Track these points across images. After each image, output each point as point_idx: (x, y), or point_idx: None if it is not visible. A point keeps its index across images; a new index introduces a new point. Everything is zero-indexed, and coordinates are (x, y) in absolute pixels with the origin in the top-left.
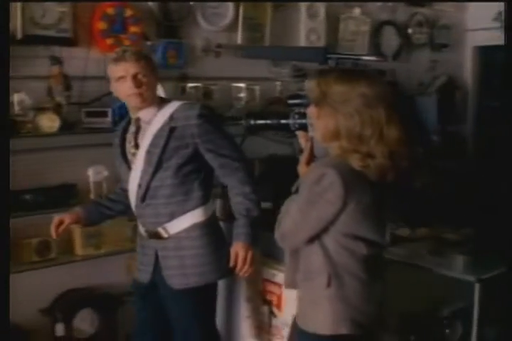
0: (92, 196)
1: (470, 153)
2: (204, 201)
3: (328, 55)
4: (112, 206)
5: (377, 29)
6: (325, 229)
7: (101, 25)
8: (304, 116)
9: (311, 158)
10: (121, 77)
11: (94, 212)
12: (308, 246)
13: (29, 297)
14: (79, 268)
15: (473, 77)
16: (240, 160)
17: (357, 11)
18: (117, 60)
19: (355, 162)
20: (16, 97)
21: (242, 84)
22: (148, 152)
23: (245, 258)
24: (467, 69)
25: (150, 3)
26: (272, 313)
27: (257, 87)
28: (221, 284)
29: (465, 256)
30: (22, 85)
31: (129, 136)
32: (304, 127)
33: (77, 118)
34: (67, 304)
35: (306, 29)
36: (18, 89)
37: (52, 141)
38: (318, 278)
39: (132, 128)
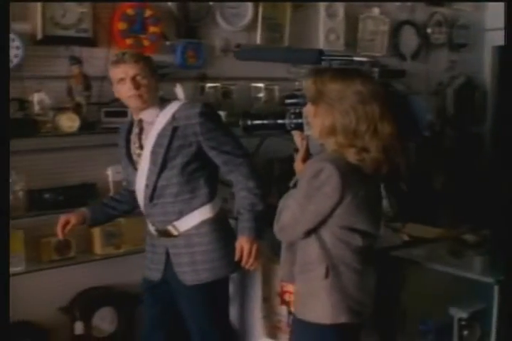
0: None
1: (489, 154)
2: (211, 198)
3: (323, 57)
4: (117, 206)
5: (396, 29)
6: (322, 222)
7: (121, 26)
8: (299, 115)
9: (307, 156)
10: (121, 79)
11: (100, 212)
12: (305, 239)
13: (48, 295)
14: (98, 267)
15: (492, 76)
16: (243, 156)
17: (376, 10)
18: (117, 62)
19: (352, 156)
20: (35, 97)
21: (261, 84)
22: (153, 152)
23: (250, 252)
24: (486, 69)
25: (169, 4)
26: (290, 313)
27: (276, 87)
28: (237, 284)
29: (484, 258)
30: (42, 85)
31: (133, 137)
32: (299, 126)
33: (97, 118)
34: (86, 302)
35: (326, 29)
36: (38, 89)
37: (72, 140)
38: (316, 270)
39: (136, 130)
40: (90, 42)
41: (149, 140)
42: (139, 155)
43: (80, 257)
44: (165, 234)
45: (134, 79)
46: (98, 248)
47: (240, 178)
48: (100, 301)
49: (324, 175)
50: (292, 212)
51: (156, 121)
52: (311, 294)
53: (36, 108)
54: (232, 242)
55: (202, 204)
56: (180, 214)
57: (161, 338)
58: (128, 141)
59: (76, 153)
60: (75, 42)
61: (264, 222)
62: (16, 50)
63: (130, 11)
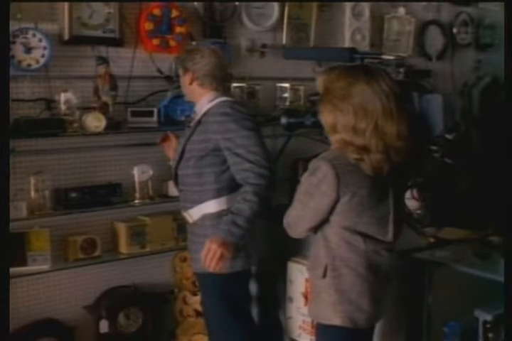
0: (137, 195)
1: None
2: (218, 194)
3: (355, 55)
4: None
5: (421, 29)
6: (326, 221)
7: (147, 26)
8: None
9: None
10: None
11: None
12: (316, 236)
13: (74, 294)
14: (123, 266)
15: None
16: (253, 162)
17: (401, 10)
18: None
19: (351, 155)
20: (62, 97)
21: (286, 84)
22: (179, 142)
23: (208, 252)
24: None
25: (195, 4)
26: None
27: (301, 88)
28: (262, 284)
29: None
30: (69, 85)
31: None
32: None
33: (123, 118)
34: (111, 301)
35: (351, 29)
36: (65, 89)
37: (98, 140)
38: (318, 269)
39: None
40: (117, 43)
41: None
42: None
43: (105, 256)
44: (185, 220)
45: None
46: (123, 247)
47: (242, 182)
48: (125, 300)
49: (320, 173)
50: (295, 209)
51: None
52: (314, 292)
53: (63, 108)
54: None
55: (209, 199)
56: (193, 204)
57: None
58: None
59: (102, 152)
60: (102, 42)
61: (246, 228)
62: (43, 50)
63: (157, 12)
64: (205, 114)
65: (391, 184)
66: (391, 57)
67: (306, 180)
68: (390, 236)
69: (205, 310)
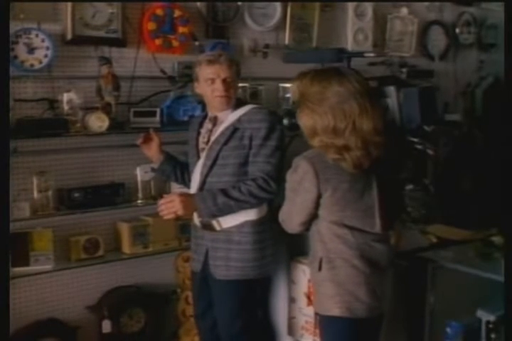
0: (139, 195)
1: None
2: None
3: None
4: (186, 172)
5: (424, 29)
6: (316, 216)
7: (150, 26)
8: None
9: None
10: (211, 79)
11: (171, 163)
12: (312, 231)
13: (76, 294)
14: (126, 266)
15: None
16: (266, 173)
17: (404, 10)
18: (212, 62)
19: (331, 156)
20: (65, 97)
21: (289, 85)
22: (211, 148)
23: (170, 202)
24: None
25: (198, 4)
26: (317, 314)
27: None
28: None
29: None
30: (72, 85)
31: (203, 132)
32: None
33: (126, 118)
34: (114, 301)
35: (354, 29)
36: (68, 89)
37: (101, 140)
38: (315, 262)
39: (208, 125)
40: (120, 43)
41: (213, 137)
42: (203, 149)
43: (108, 256)
44: (208, 227)
45: (225, 80)
46: (126, 247)
47: (241, 182)
48: (128, 300)
49: (301, 171)
50: (286, 205)
51: (226, 121)
52: (314, 285)
53: (66, 108)
54: (269, 247)
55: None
56: None
57: (208, 328)
58: (198, 134)
59: (105, 152)
60: (105, 42)
61: (218, 210)
62: (45, 51)
63: (159, 12)
64: (239, 120)
65: (374, 176)
66: (372, 55)
67: (290, 178)
68: (377, 228)
69: (220, 316)
